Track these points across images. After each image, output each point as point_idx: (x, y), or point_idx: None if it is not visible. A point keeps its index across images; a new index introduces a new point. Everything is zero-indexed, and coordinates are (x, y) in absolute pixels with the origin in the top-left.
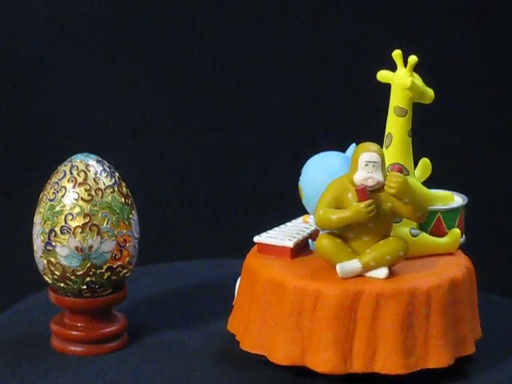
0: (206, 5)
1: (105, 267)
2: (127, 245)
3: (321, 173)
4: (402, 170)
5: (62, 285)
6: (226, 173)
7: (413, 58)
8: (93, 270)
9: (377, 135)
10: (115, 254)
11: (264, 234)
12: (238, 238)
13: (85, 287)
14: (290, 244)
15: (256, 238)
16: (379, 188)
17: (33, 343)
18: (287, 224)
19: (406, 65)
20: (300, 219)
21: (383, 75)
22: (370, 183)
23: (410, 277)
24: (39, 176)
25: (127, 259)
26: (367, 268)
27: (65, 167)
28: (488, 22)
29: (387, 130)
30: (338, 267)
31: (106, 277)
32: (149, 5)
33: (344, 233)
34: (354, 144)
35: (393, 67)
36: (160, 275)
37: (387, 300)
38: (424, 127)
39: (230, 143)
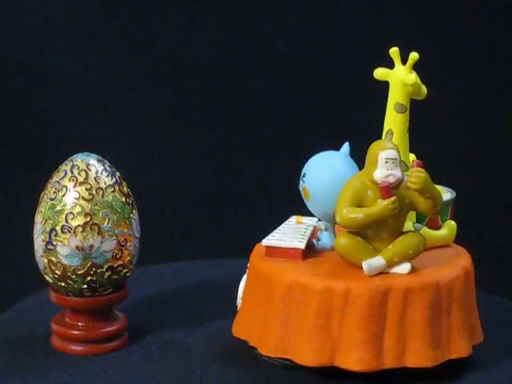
0: (206, 5)
1: (105, 266)
2: (128, 244)
3: (327, 173)
4: (422, 165)
5: (62, 284)
6: (226, 173)
7: (414, 55)
8: (93, 269)
9: (374, 133)
10: (116, 254)
11: (270, 237)
12: (239, 238)
13: (85, 286)
14: (302, 245)
15: (265, 242)
16: (398, 184)
17: (33, 342)
18: (283, 226)
19: (402, 62)
20: (292, 221)
21: (381, 72)
22: (391, 180)
23: (431, 270)
24: (40, 175)
25: (128, 259)
26: (391, 264)
27: (66, 166)
28: (488, 22)
29: (387, 127)
30: (365, 265)
31: (106, 276)
32: (149, 5)
33: (363, 230)
34: (347, 143)
35: (389, 66)
36: (160, 275)
37: (415, 294)
38: (417, 124)
39: (230, 143)
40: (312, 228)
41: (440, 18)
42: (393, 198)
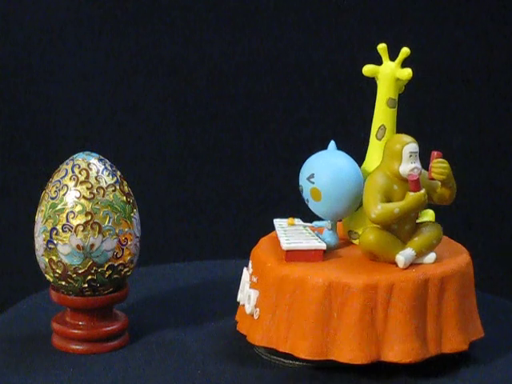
0: (206, 7)
1: (106, 265)
2: (128, 243)
3: (339, 172)
4: (441, 155)
5: (63, 283)
6: (226, 173)
7: (405, 50)
8: (94, 268)
9: (361, 129)
10: (116, 253)
11: (287, 242)
12: (239, 238)
13: (86, 286)
14: (324, 245)
15: (286, 246)
16: None
17: (34, 342)
18: (282, 230)
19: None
20: (283, 224)
21: (370, 69)
22: (416, 172)
23: (450, 258)
24: (41, 174)
25: (128, 258)
26: (420, 255)
27: (66, 166)
28: (489, 24)
29: (378, 122)
30: (402, 257)
31: (107, 275)
32: (149, 4)
33: (389, 225)
34: (332, 141)
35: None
36: (161, 276)
37: (448, 282)
38: (416, 122)
39: (230, 143)
40: (308, 228)
41: (440, 18)
42: (423, 191)
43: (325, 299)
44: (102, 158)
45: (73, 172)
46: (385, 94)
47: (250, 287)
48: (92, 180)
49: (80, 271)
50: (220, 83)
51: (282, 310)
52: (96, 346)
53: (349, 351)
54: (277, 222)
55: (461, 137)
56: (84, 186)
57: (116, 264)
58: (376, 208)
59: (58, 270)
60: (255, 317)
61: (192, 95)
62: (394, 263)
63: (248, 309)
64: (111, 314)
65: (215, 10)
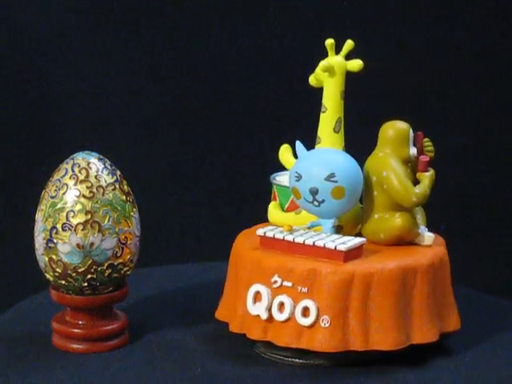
0: (204, 9)
1: (106, 264)
2: (128, 242)
3: (358, 168)
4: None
5: (63, 282)
6: (227, 174)
7: (349, 43)
8: (94, 267)
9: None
10: (116, 252)
11: (340, 242)
12: None
13: (86, 285)
14: (365, 240)
15: (344, 247)
16: None
17: (34, 341)
18: (297, 235)
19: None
20: (282, 230)
21: (326, 65)
22: (416, 154)
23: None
24: (41, 174)
25: (128, 257)
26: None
27: (66, 165)
28: (490, 25)
29: (335, 116)
30: (431, 234)
31: (107, 274)
32: (149, 4)
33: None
34: (298, 141)
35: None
36: (161, 276)
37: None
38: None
39: (230, 144)
40: (307, 229)
41: (442, 17)
42: (432, 170)
43: (400, 287)
44: (101, 157)
45: (73, 171)
46: (339, 87)
47: (298, 300)
48: (92, 179)
49: (80, 270)
50: (219, 83)
51: (355, 310)
52: (96, 345)
53: (426, 331)
54: (269, 230)
55: (463, 137)
56: (84, 185)
57: (116, 263)
58: (415, 192)
59: (57, 269)
60: (324, 325)
61: (191, 96)
62: (413, 243)
63: (307, 321)
64: (111, 314)
65: (214, 10)
